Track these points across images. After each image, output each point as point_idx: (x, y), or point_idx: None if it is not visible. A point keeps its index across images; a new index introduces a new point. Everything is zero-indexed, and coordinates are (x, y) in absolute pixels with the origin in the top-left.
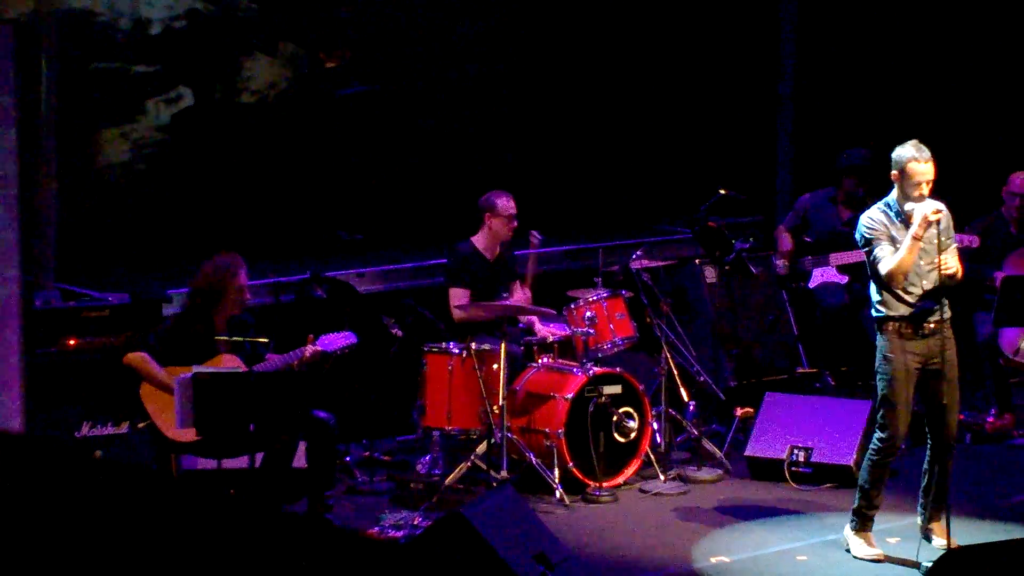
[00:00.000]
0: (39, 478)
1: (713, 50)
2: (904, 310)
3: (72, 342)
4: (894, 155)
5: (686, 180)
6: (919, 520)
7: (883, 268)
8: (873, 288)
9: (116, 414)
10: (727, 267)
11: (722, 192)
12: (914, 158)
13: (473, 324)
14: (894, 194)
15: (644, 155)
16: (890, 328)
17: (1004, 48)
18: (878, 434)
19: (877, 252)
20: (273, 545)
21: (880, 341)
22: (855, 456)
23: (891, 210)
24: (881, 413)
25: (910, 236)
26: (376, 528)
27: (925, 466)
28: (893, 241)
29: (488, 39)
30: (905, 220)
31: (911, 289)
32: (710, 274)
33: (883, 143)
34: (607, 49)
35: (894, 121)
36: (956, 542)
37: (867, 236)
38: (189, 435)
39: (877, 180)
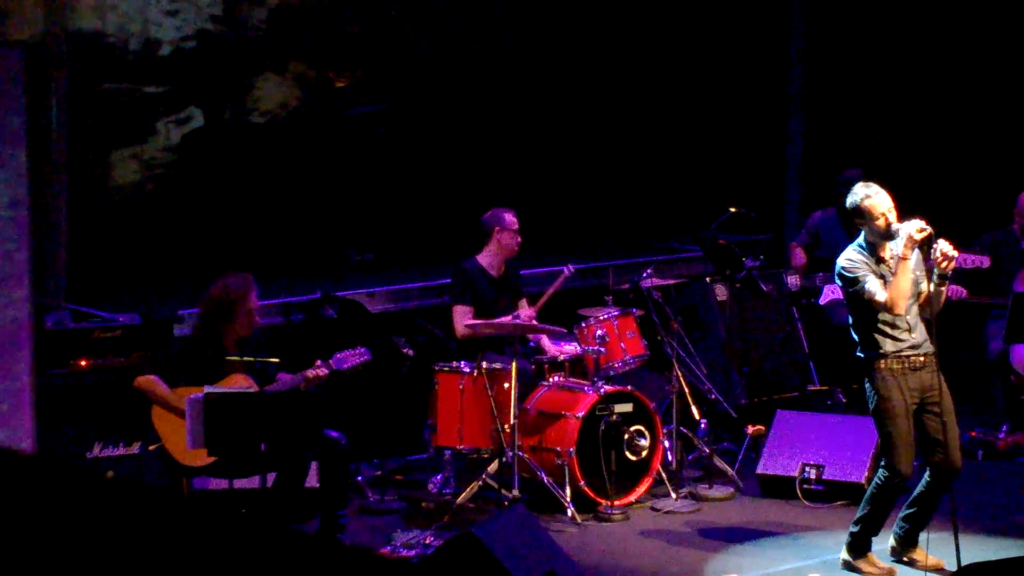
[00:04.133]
0: (50, 499)
1: (723, 68)
2: (893, 346)
3: (83, 363)
4: (848, 204)
5: (696, 198)
6: (892, 543)
7: (882, 297)
8: (857, 329)
9: (127, 435)
10: (738, 285)
11: (732, 210)
12: (866, 195)
13: (481, 342)
14: (863, 237)
15: (654, 173)
16: (883, 367)
17: (1013, 61)
18: (885, 472)
19: (868, 286)
20: (285, 565)
21: (873, 382)
22: (867, 473)
23: (865, 250)
24: (887, 452)
25: (899, 258)
26: (388, 547)
27: (917, 494)
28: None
29: (497, 57)
30: (879, 259)
31: (898, 323)
32: (721, 292)
33: (891, 161)
34: (617, 67)
35: (903, 139)
36: (943, 564)
37: (849, 275)
38: (200, 459)
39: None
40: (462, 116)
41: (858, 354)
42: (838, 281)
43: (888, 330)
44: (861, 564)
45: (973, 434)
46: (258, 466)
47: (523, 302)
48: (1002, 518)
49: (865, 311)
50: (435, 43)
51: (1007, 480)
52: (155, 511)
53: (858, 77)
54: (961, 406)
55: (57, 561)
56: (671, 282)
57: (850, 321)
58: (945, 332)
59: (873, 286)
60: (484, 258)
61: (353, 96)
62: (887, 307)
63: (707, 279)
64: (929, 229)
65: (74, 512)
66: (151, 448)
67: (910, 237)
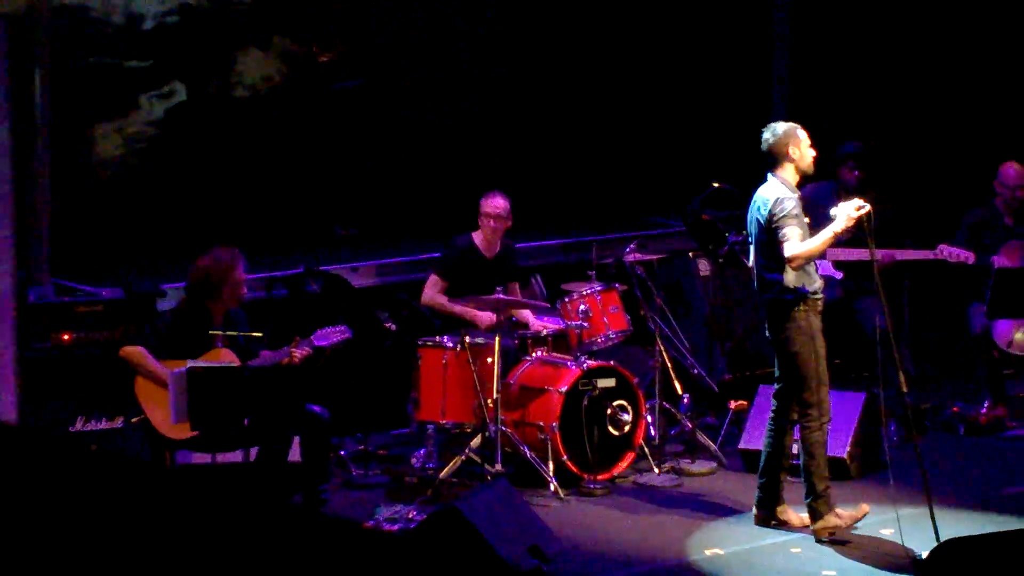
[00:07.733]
0: (34, 470)
1: (707, 43)
2: (811, 287)
3: (66, 337)
4: (776, 137)
5: (680, 173)
6: (756, 510)
7: (791, 249)
8: (783, 269)
9: (111, 409)
10: (720, 260)
11: (715, 185)
12: (796, 126)
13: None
14: (781, 177)
15: (638, 148)
16: (805, 307)
17: (992, 44)
18: (811, 413)
19: (788, 232)
20: (268, 538)
21: (796, 321)
22: (849, 448)
23: (790, 189)
24: (809, 392)
25: (831, 231)
26: (371, 522)
27: (770, 443)
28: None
29: (482, 33)
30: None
31: (811, 267)
32: (704, 267)
33: (877, 135)
34: (601, 43)
35: (887, 114)
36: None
37: (784, 214)
38: (183, 432)
39: (872, 167)
40: (447, 90)
41: (785, 296)
42: (765, 210)
43: (811, 271)
44: (830, 519)
45: (955, 409)
46: (241, 440)
47: (515, 286)
48: (983, 493)
49: None
50: (420, 18)
51: (988, 455)
52: (138, 484)
53: (844, 51)
54: (943, 381)
55: (41, 533)
56: (654, 257)
57: (762, 263)
58: (929, 308)
59: (793, 234)
60: (478, 237)
61: (337, 71)
62: (789, 259)
63: (690, 254)
64: (868, 207)
65: (58, 484)
66: (134, 421)
67: (849, 216)
